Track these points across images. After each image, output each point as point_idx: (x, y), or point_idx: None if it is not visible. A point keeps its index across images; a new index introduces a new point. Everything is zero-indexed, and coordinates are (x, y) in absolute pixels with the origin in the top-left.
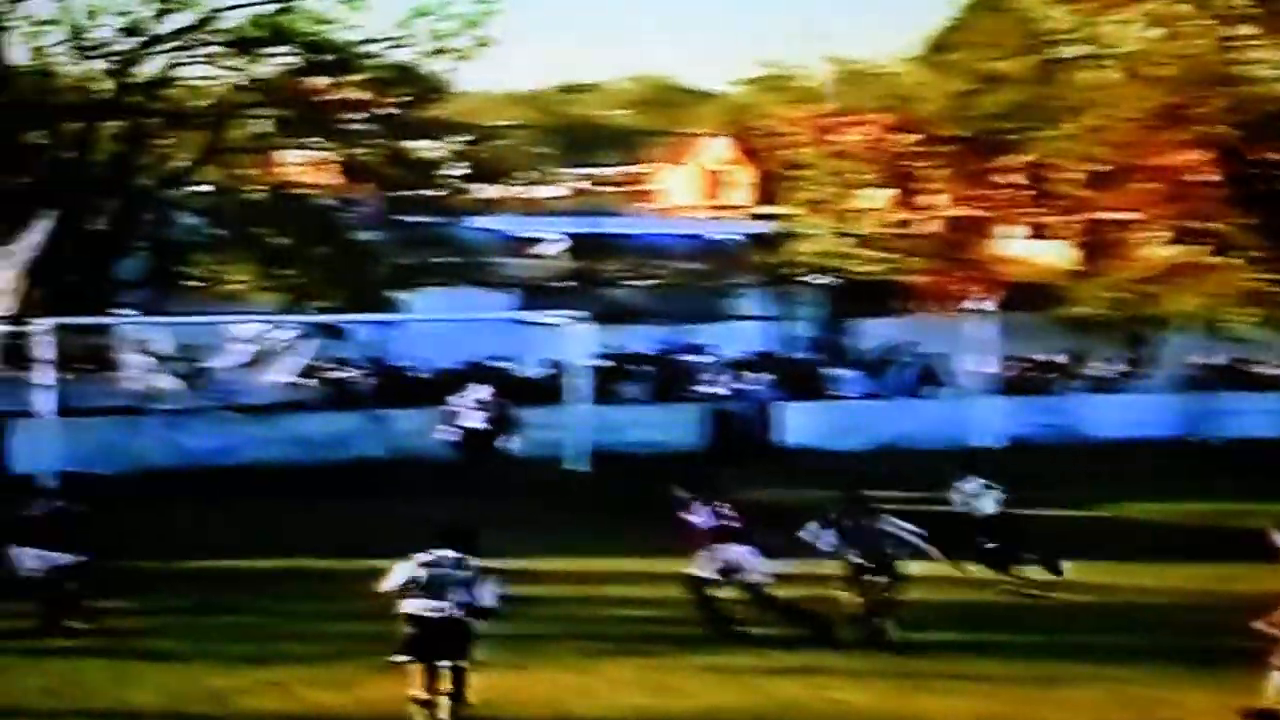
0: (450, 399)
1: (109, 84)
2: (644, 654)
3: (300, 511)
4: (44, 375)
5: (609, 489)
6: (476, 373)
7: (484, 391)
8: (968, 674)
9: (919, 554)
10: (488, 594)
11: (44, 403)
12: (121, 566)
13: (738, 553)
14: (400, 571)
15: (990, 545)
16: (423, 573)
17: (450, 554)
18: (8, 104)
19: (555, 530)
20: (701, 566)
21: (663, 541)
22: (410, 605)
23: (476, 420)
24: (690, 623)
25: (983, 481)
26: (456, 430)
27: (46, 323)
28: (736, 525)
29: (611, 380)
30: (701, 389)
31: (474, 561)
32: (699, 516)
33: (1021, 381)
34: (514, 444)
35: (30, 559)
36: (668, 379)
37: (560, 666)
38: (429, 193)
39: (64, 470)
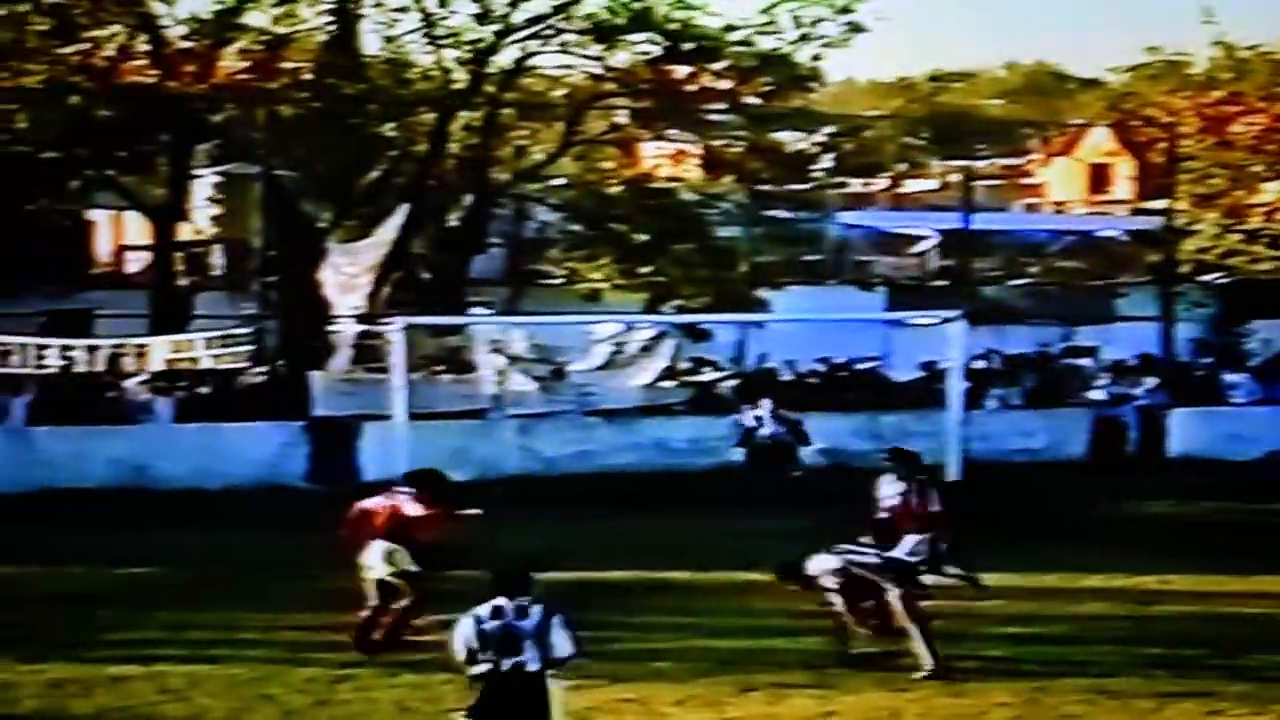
0: (743, 410)
1: (463, 74)
2: (1018, 674)
3: (661, 521)
4: (395, 377)
5: (983, 500)
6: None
7: (767, 405)
8: None
9: None
10: (561, 641)
11: (395, 405)
12: (472, 576)
13: None
14: (462, 634)
15: None
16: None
17: (509, 603)
18: (360, 95)
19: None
20: None
21: (1040, 556)
22: (477, 667)
23: (766, 433)
24: (1067, 640)
25: None
26: (746, 445)
27: (398, 322)
28: None
29: (986, 384)
30: (1083, 394)
31: (537, 607)
32: None
33: None
34: (803, 458)
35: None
36: (1046, 383)
37: (937, 684)
38: (794, 186)
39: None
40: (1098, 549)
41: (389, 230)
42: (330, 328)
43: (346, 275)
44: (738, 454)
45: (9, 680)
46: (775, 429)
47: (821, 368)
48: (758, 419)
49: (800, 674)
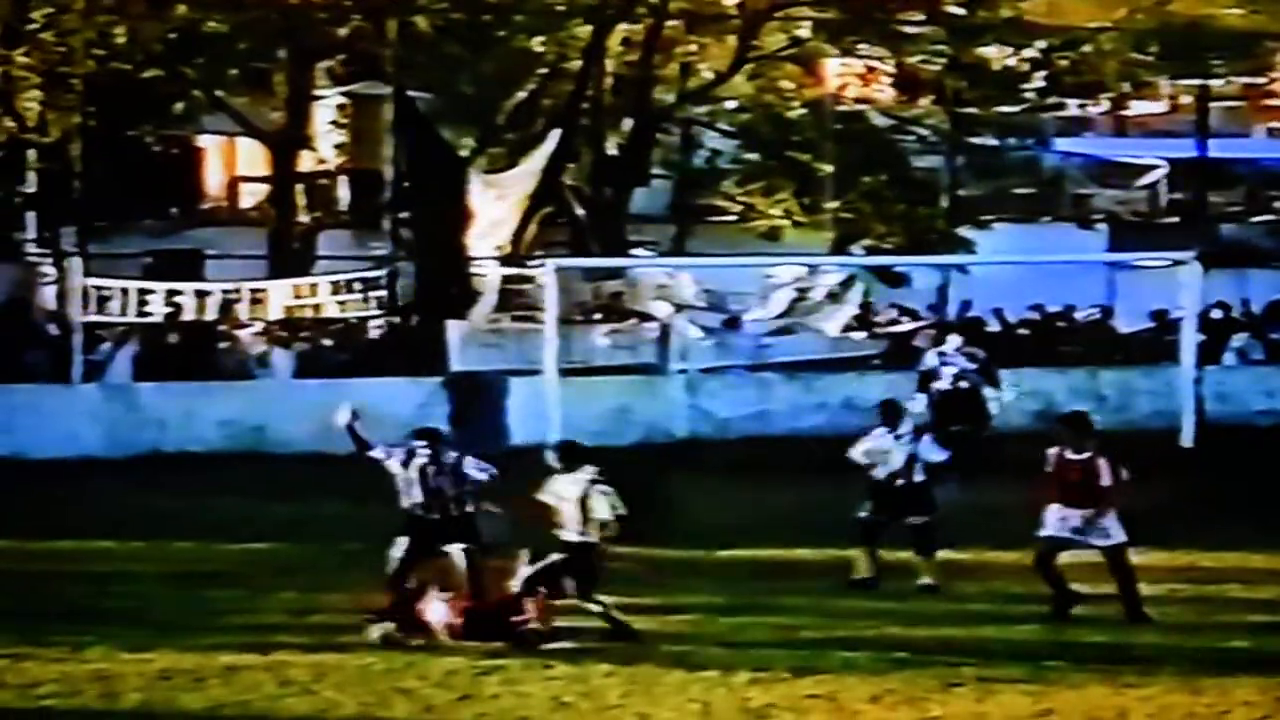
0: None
1: None
2: (1265, 668)
3: (850, 492)
4: (546, 326)
5: (1223, 469)
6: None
7: (955, 343)
8: None
9: None
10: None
11: (545, 359)
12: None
13: None
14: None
15: None
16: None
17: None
18: (505, 4)
19: (1155, 517)
20: None
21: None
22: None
23: (948, 377)
24: None
25: None
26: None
27: (549, 264)
28: None
29: (1224, 336)
30: None
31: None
32: None
33: None
34: (994, 405)
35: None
36: None
37: (1170, 679)
38: (1002, 109)
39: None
40: None
41: (538, 159)
42: (472, 271)
43: (489, 210)
44: (918, 403)
45: (111, 670)
46: (964, 368)
47: (1035, 317)
48: (941, 357)
49: (1011, 666)
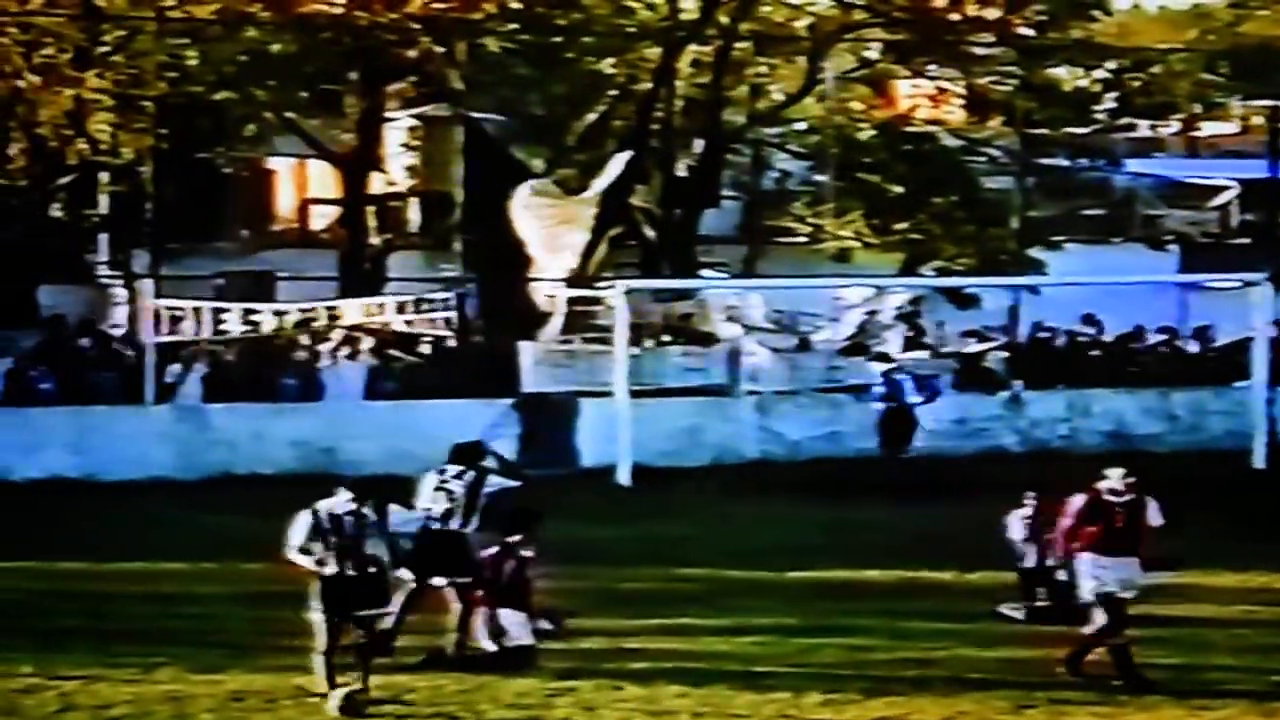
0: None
1: (692, 3)
2: None
3: (921, 512)
4: (616, 347)
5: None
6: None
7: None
8: None
9: None
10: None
11: (616, 380)
12: (703, 577)
13: None
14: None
15: None
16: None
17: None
18: (575, 26)
19: (1228, 537)
20: None
21: None
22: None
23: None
24: None
25: None
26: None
27: (619, 285)
28: None
29: None
30: None
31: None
32: None
33: None
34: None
35: None
36: None
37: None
38: (1072, 130)
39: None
40: None
41: (606, 180)
42: (542, 291)
43: (558, 231)
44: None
45: (182, 691)
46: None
47: (1105, 338)
48: (892, 378)
49: (1083, 690)
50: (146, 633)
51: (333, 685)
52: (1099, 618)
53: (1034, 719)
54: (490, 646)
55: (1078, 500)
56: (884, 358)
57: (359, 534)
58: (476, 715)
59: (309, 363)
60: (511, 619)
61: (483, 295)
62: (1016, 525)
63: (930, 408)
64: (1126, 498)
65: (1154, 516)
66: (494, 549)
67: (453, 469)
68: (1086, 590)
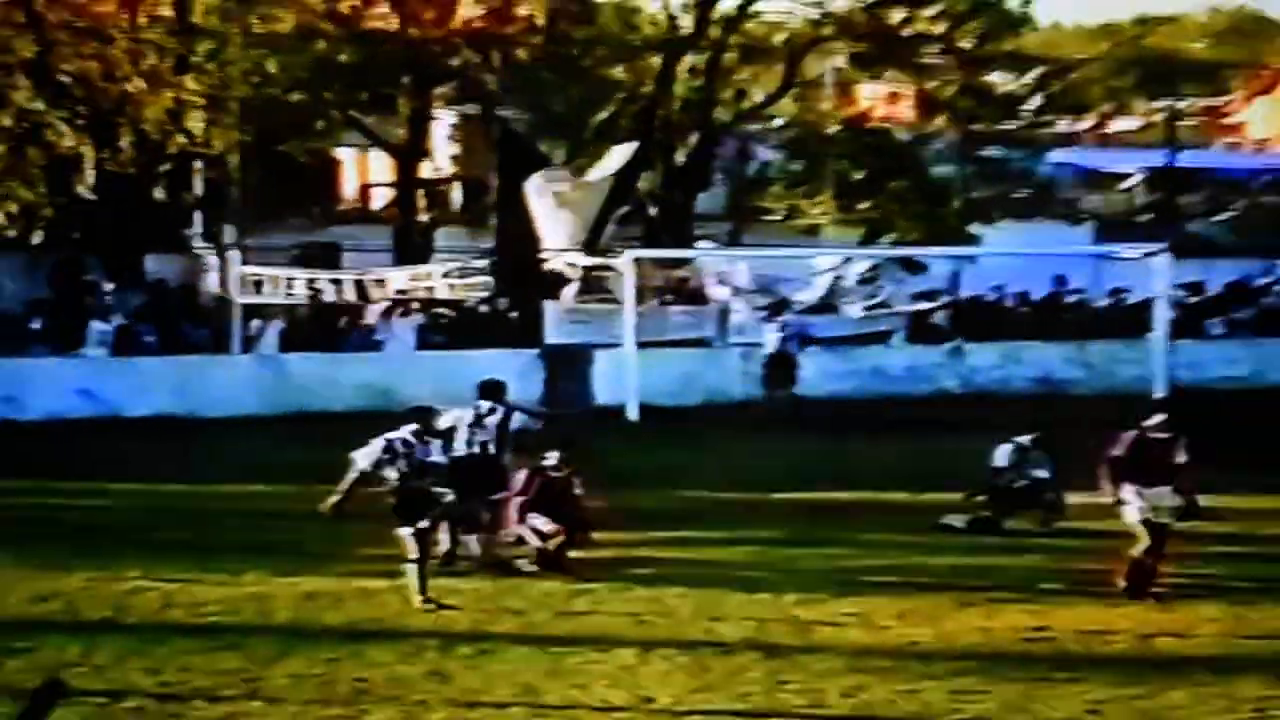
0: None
1: (688, 19)
2: (1225, 591)
3: (880, 445)
4: (625, 307)
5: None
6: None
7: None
8: None
9: None
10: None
11: (625, 334)
12: (701, 498)
13: None
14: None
15: None
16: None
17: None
18: (590, 39)
19: None
20: None
21: (1248, 479)
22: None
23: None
24: (1273, 560)
25: None
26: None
27: (628, 255)
28: None
29: (1193, 315)
30: None
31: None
32: None
33: None
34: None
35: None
36: (1252, 314)
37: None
38: (1004, 126)
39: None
40: None
41: (611, 165)
42: (561, 260)
43: (571, 209)
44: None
45: (266, 592)
46: (786, 338)
47: (1033, 298)
48: (783, 329)
49: (1016, 590)
50: (235, 544)
51: (424, 590)
52: (1145, 539)
53: (973, 615)
54: (534, 544)
55: (1125, 438)
56: (777, 312)
57: (420, 457)
58: (511, 612)
59: (370, 319)
60: (545, 524)
61: (512, 264)
62: (1003, 454)
63: (883, 352)
64: (1163, 436)
65: (1181, 454)
66: (525, 470)
67: (485, 404)
68: (1132, 515)
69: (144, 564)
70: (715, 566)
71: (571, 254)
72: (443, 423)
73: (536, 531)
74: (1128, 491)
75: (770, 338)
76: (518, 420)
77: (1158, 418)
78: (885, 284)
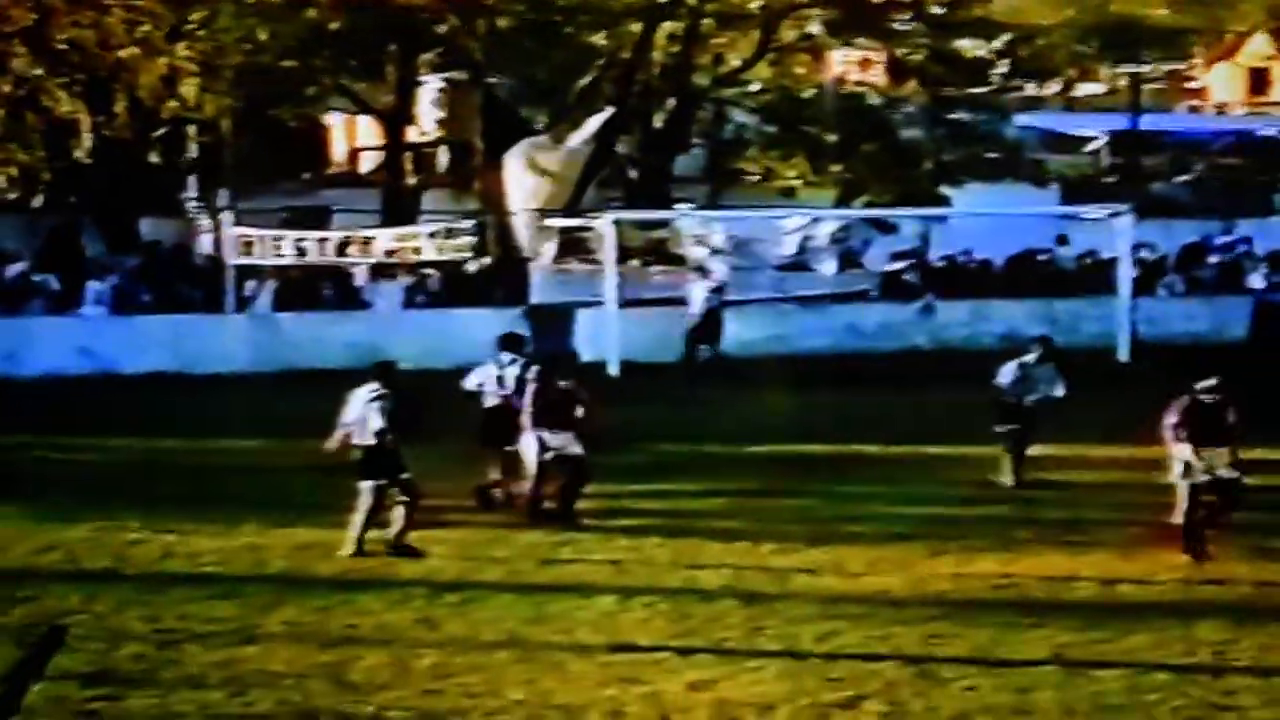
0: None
1: None
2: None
3: (853, 399)
4: (606, 267)
5: (1151, 379)
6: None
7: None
8: None
9: None
10: None
11: (606, 293)
12: (680, 451)
13: None
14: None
15: None
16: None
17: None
18: (571, 7)
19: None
20: None
21: None
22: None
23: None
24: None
25: None
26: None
27: (608, 216)
28: None
29: (1153, 273)
30: (1246, 282)
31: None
32: None
33: None
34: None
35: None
36: (1211, 273)
37: (1110, 549)
38: (973, 90)
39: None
40: (1260, 424)
41: (589, 129)
42: (542, 221)
43: (553, 172)
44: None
45: (260, 543)
46: (709, 303)
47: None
48: (710, 289)
49: (986, 539)
50: (231, 496)
51: (361, 541)
52: (1184, 503)
53: (945, 563)
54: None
55: (1181, 401)
56: (702, 273)
57: (386, 412)
58: (496, 560)
59: (358, 279)
60: (560, 437)
61: (495, 225)
62: (1008, 372)
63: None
64: (1215, 399)
65: (1232, 415)
66: (536, 381)
67: (506, 357)
68: (1190, 474)
69: (143, 516)
70: (694, 517)
71: (553, 216)
72: (471, 381)
73: (542, 443)
74: (1186, 452)
75: (697, 296)
76: (533, 372)
77: (1209, 381)
78: (861, 244)
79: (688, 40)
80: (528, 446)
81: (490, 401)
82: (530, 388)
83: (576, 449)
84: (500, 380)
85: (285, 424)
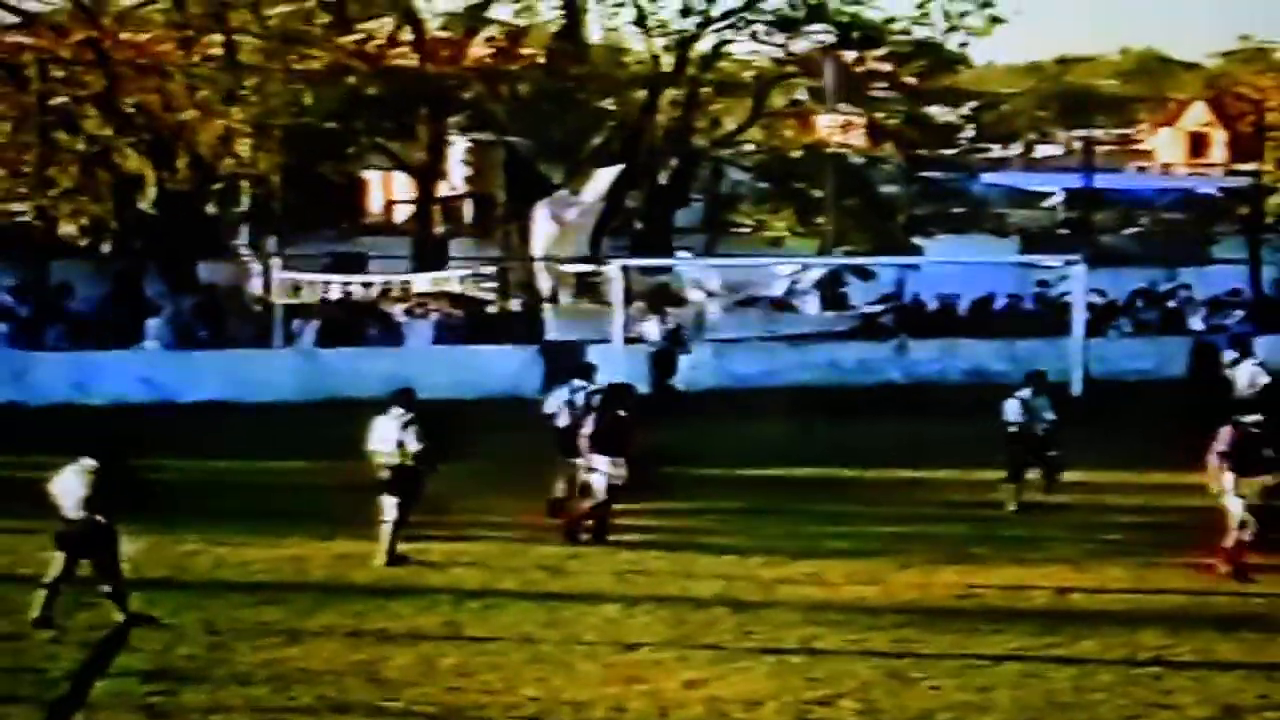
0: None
1: (669, 58)
2: (1130, 554)
3: (834, 427)
4: (614, 308)
5: (1103, 411)
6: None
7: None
8: None
9: None
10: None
11: (614, 332)
12: (684, 473)
13: None
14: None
15: None
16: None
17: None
18: (584, 75)
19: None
20: None
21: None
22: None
23: (657, 338)
24: (1170, 528)
25: None
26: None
27: (616, 263)
28: None
29: (1105, 317)
30: (1187, 324)
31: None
32: None
33: None
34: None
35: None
36: (1156, 316)
37: (1062, 563)
38: (943, 151)
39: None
40: (1197, 453)
41: (601, 184)
42: (558, 268)
43: (570, 223)
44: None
45: (303, 554)
46: (664, 336)
47: (967, 302)
48: (664, 328)
49: (950, 554)
50: (278, 512)
51: (393, 550)
52: (1235, 528)
53: (912, 575)
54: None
55: (1225, 433)
56: (662, 317)
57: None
58: (513, 571)
59: (393, 318)
60: (604, 462)
61: (516, 270)
62: (1013, 408)
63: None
64: (1258, 431)
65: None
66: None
67: (578, 383)
68: (1233, 502)
69: (199, 530)
70: (689, 533)
71: (569, 263)
72: (550, 404)
73: (595, 468)
74: (1229, 480)
75: (650, 333)
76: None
77: (1254, 416)
78: (847, 289)
79: (688, 106)
80: (597, 474)
81: (563, 421)
82: (592, 416)
83: (623, 473)
84: (571, 405)
85: (327, 447)
